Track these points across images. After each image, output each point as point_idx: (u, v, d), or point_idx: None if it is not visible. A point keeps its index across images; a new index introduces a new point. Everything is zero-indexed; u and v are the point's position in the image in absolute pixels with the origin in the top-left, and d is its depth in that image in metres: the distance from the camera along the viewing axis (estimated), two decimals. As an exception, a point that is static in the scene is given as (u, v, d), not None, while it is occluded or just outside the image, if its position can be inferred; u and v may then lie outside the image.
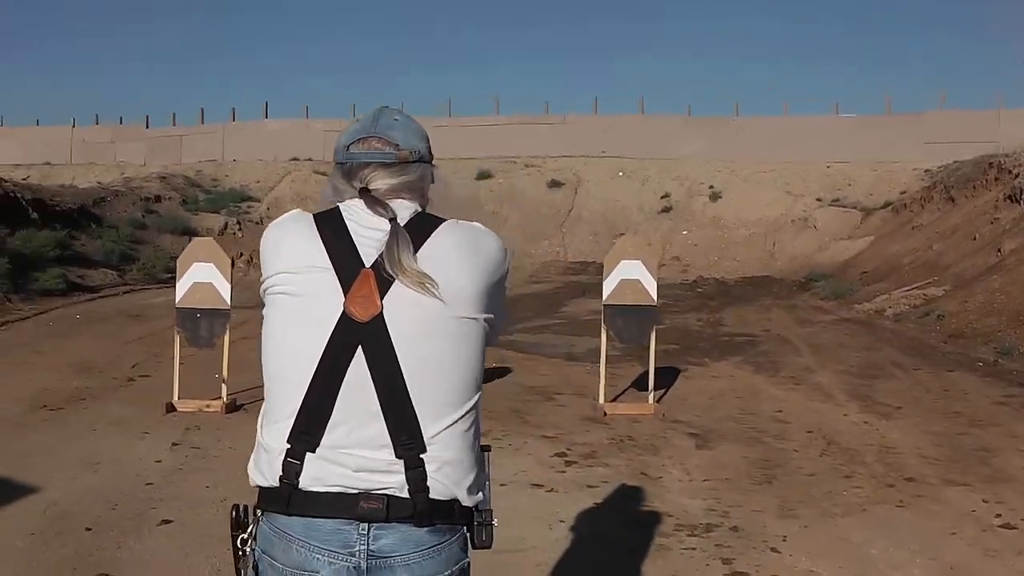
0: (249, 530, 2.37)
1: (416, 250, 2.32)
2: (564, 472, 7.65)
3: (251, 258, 31.02)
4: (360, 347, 2.27)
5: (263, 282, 2.42)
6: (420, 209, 2.47)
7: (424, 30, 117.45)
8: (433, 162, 2.60)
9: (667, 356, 13.64)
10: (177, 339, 10.53)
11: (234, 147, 38.84)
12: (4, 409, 9.99)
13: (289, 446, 2.28)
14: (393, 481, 2.25)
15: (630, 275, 9.99)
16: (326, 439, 2.26)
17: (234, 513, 2.40)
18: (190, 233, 30.81)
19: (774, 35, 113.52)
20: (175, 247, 29.62)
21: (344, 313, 2.27)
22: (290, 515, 2.27)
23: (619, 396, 10.67)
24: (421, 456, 2.26)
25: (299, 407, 2.28)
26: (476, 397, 2.39)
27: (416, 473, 2.25)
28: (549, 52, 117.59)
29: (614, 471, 7.67)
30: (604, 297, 10.06)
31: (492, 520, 2.42)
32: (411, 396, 2.26)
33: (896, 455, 8.13)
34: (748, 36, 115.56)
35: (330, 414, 2.26)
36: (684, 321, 18.24)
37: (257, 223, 33.41)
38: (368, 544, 2.24)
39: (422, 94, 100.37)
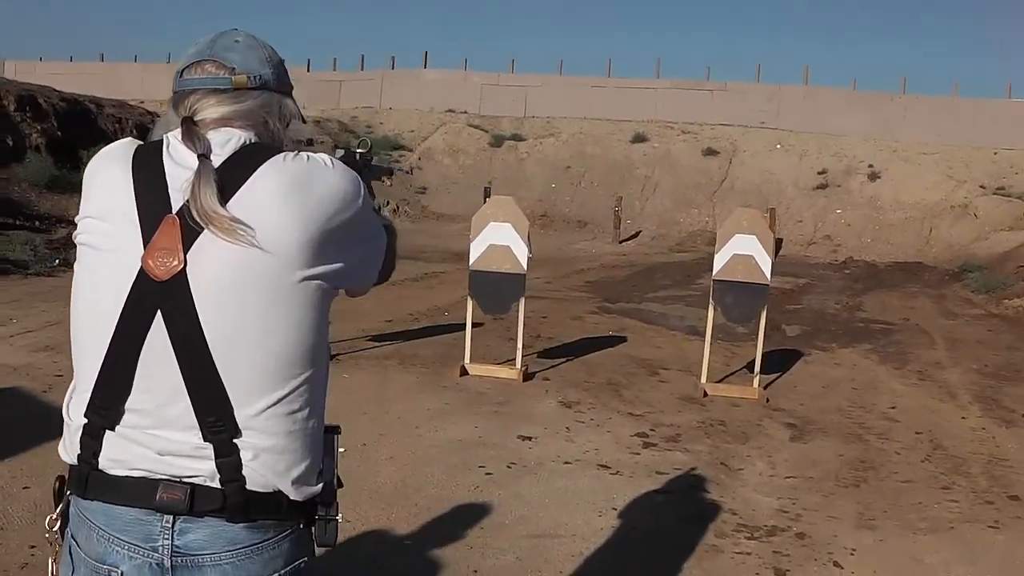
0: (58, 509, 2.06)
1: (234, 190, 1.90)
2: (638, 455, 7.17)
3: (397, 207, 31.16)
4: (159, 310, 1.89)
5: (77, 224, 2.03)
6: (255, 140, 2.03)
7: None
8: (293, 95, 2.19)
9: (792, 339, 13.04)
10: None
11: (391, 95, 38.87)
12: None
13: (86, 420, 1.95)
14: (202, 468, 1.91)
15: (744, 250, 9.40)
16: (128, 417, 1.93)
17: (56, 485, 2.07)
18: (338, 179, 31.00)
19: (944, 10, 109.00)
20: (323, 191, 29.90)
21: (142, 270, 1.89)
22: (87, 499, 1.97)
23: (727, 377, 10.10)
24: (234, 441, 1.90)
25: (95, 379, 1.94)
26: (310, 371, 1.98)
27: (228, 461, 1.90)
28: (712, 18, 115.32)
29: (692, 458, 7.16)
30: (714, 272, 9.50)
31: (336, 515, 2.09)
32: (219, 370, 1.89)
33: (1006, 468, 7.39)
34: (917, 10, 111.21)
35: (128, 388, 1.92)
36: (822, 303, 17.47)
37: (407, 172, 33.38)
38: (172, 539, 1.92)
39: (581, 53, 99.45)
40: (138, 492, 1.91)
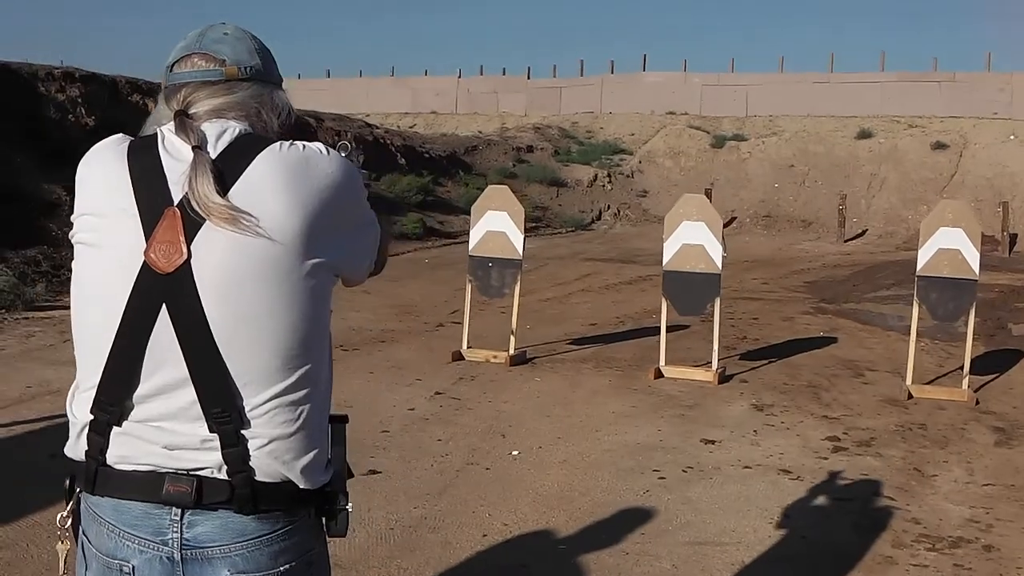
0: (69, 506, 2.04)
1: (232, 180, 1.88)
2: (825, 460, 6.82)
3: (618, 211, 31.04)
4: (164, 304, 1.87)
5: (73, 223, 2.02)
6: (249, 131, 2.00)
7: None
8: (283, 86, 2.16)
9: (1018, 339, 12.27)
10: (469, 288, 10.38)
11: (610, 99, 38.75)
12: (301, 345, 10.17)
13: (92, 417, 1.93)
14: (209, 460, 1.90)
15: (949, 244, 8.90)
16: (135, 412, 1.91)
17: (67, 483, 2.05)
18: (558, 184, 31.14)
19: None
20: (542, 197, 30.04)
21: (145, 264, 1.87)
22: (96, 495, 1.96)
23: (939, 378, 9.57)
24: (241, 431, 1.89)
25: (100, 376, 1.92)
26: (315, 359, 1.98)
27: (235, 451, 1.89)
28: (939, 5, 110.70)
29: (884, 464, 6.77)
30: (918, 268, 9.02)
31: (346, 505, 2.07)
32: (225, 360, 1.87)
33: None
34: None
35: (135, 383, 1.90)
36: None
37: (628, 176, 33.25)
38: (182, 532, 1.91)
39: (802, 49, 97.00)
40: (145, 486, 1.90)
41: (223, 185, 1.87)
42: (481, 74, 43.77)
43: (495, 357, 9.89)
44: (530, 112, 40.09)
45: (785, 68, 38.01)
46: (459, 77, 43.49)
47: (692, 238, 9.52)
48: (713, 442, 7.15)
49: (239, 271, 1.86)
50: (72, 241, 2.00)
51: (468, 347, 10.10)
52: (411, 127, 37.11)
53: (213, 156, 1.91)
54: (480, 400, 8.27)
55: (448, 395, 8.40)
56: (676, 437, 7.26)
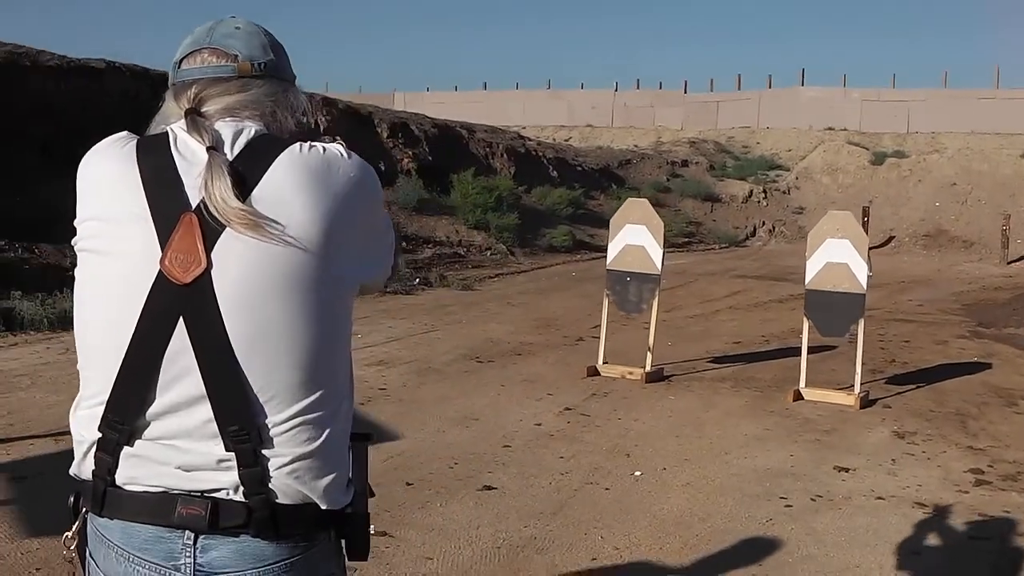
0: (75, 527, 1.93)
1: (253, 184, 1.76)
2: (966, 493, 6.46)
3: (773, 227, 30.50)
4: (182, 316, 1.74)
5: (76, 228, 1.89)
6: (264, 131, 1.88)
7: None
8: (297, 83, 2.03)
9: None
10: (606, 302, 10.21)
11: (768, 114, 38.20)
12: (437, 357, 10.22)
13: (100, 436, 1.81)
14: (225, 480, 1.77)
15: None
16: (148, 430, 1.78)
17: (71, 501, 1.94)
18: (712, 199, 30.78)
19: None
20: (696, 212, 29.72)
21: (161, 273, 1.74)
22: (103, 516, 1.83)
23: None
24: (261, 451, 1.76)
25: (110, 392, 1.79)
26: (338, 376, 1.86)
27: (252, 472, 1.76)
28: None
29: (1030, 500, 6.39)
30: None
31: (368, 526, 1.92)
32: (246, 376, 1.74)
33: None
34: None
35: (148, 400, 1.77)
36: None
37: (784, 192, 32.70)
38: (195, 557, 1.78)
39: (966, 64, 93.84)
40: (156, 508, 1.78)
41: (242, 189, 1.75)
42: (637, 87, 43.64)
43: (631, 374, 9.71)
44: (686, 126, 39.79)
45: (949, 83, 36.93)
46: (615, 90, 43.41)
47: (836, 256, 9.22)
48: (847, 470, 6.84)
49: (263, 282, 1.74)
50: (75, 249, 1.87)
51: (604, 362, 9.94)
52: (567, 140, 37.15)
53: (230, 158, 1.79)
54: (609, 417, 8.10)
55: (577, 411, 8.25)
56: (808, 463, 6.97)
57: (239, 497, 1.77)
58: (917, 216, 29.55)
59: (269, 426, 1.76)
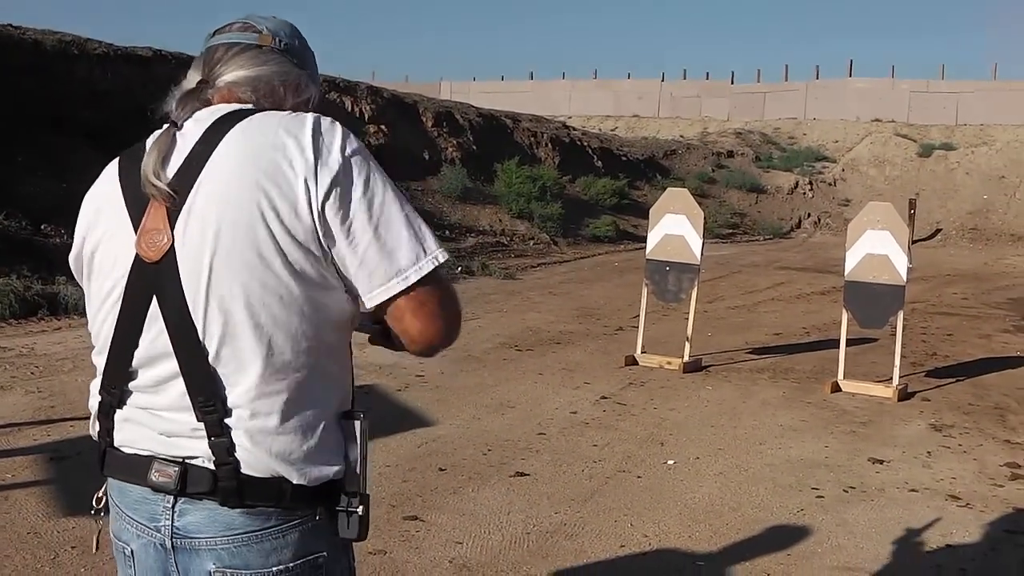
0: (104, 487, 2.05)
1: (205, 159, 1.82)
2: (1000, 487, 6.42)
3: (818, 219, 30.31)
4: (154, 293, 1.84)
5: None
6: (247, 107, 1.92)
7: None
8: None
9: None
10: (645, 292, 10.22)
11: (815, 105, 37.92)
12: (476, 345, 10.25)
13: (99, 399, 1.95)
14: (199, 449, 1.84)
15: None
16: (134, 398, 1.90)
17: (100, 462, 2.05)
18: (758, 190, 30.64)
19: None
20: (741, 203, 29.60)
21: (136, 255, 1.85)
22: (104, 475, 1.99)
23: None
24: (225, 421, 1.81)
25: (105, 363, 1.93)
26: (308, 345, 1.83)
27: (221, 442, 1.81)
28: None
29: (1067, 494, 6.35)
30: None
31: (357, 507, 1.89)
32: (207, 348, 1.81)
33: None
34: None
35: (131, 370, 1.88)
36: None
37: (830, 184, 32.50)
38: (173, 520, 1.87)
39: (1017, 54, 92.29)
40: (138, 470, 1.88)
41: (192, 165, 1.82)
42: (684, 78, 43.39)
43: (668, 363, 9.72)
44: (732, 117, 39.58)
45: (999, 75, 36.53)
46: (662, 80, 43.21)
47: (876, 248, 9.18)
48: (881, 462, 6.82)
49: (209, 256, 1.78)
50: (72, 262, 2.06)
51: (643, 352, 9.96)
52: (612, 130, 37.08)
53: (199, 135, 1.85)
54: (646, 407, 8.11)
55: (614, 400, 8.27)
56: (843, 454, 6.96)
57: (210, 465, 1.81)
58: (964, 209, 29.30)
59: (232, 398, 1.80)
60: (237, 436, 1.80)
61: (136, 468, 1.88)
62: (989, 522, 5.77)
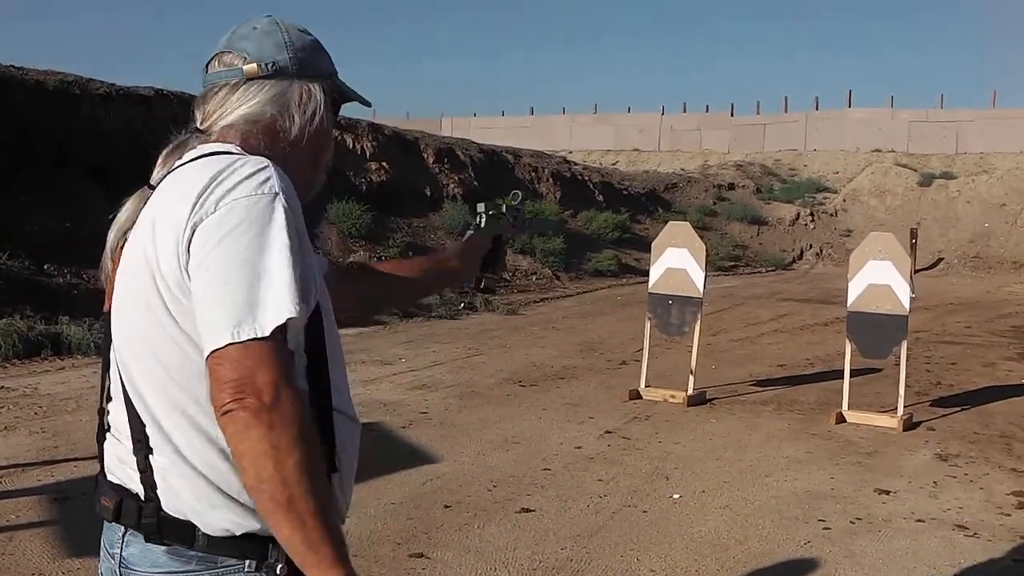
0: None
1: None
2: (1007, 516, 6.40)
3: (820, 250, 30.34)
4: (113, 336, 1.93)
5: None
6: (221, 150, 1.88)
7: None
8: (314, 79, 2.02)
9: None
10: (648, 325, 10.21)
11: (815, 136, 38.07)
12: (480, 381, 10.27)
13: (98, 430, 2.00)
14: (137, 480, 1.85)
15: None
16: (110, 421, 1.94)
17: None
18: (759, 222, 30.68)
19: None
20: (743, 235, 29.63)
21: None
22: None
23: None
24: (148, 458, 1.82)
25: (99, 386, 2.03)
26: (198, 399, 1.76)
27: (146, 477, 1.83)
28: None
29: (1075, 523, 6.32)
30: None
31: (277, 564, 1.79)
32: (128, 386, 1.85)
33: None
34: None
35: (109, 396, 1.95)
36: None
37: (831, 215, 32.56)
38: (122, 549, 1.88)
39: (1017, 82, 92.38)
40: (94, 495, 1.95)
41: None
42: (684, 111, 43.54)
43: (673, 397, 9.70)
44: (733, 149, 39.71)
45: (998, 103, 36.67)
46: (662, 114, 43.38)
47: (878, 278, 9.19)
48: (888, 492, 6.81)
49: (124, 300, 1.86)
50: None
51: (646, 386, 9.94)
52: (613, 164, 37.20)
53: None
54: (650, 440, 8.09)
55: (618, 434, 8.26)
56: (849, 486, 6.94)
57: (142, 499, 1.82)
58: (966, 237, 29.33)
59: (151, 435, 1.80)
60: (157, 475, 1.80)
61: (95, 493, 1.95)
62: (997, 551, 5.74)
